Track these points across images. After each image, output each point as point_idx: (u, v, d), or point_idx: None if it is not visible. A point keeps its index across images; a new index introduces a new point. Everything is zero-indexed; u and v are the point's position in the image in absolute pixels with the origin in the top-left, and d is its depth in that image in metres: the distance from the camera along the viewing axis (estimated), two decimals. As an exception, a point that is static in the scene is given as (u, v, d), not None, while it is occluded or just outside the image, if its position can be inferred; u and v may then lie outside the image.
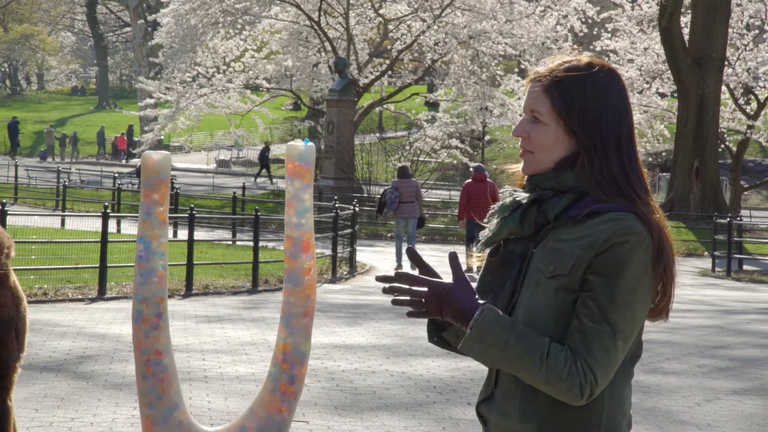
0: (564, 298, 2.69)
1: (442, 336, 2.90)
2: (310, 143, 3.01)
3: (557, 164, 2.77)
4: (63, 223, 26.53)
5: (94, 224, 19.90)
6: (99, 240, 16.74)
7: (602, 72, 2.78)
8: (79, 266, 17.36)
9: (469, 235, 21.71)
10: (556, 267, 2.70)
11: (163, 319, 2.96)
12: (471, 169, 22.66)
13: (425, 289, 2.72)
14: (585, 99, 2.75)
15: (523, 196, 2.82)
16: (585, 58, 2.81)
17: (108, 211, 17.14)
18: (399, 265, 22.18)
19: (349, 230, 22.23)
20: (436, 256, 26.32)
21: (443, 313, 2.72)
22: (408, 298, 2.74)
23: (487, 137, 53.78)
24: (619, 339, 2.66)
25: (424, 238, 31.57)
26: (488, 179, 21.92)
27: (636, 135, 2.85)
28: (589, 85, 2.75)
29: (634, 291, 2.67)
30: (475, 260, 2.93)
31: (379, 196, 24.05)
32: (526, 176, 2.85)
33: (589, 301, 2.65)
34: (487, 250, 2.88)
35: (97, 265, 16.25)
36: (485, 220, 2.90)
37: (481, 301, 2.70)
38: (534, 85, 2.80)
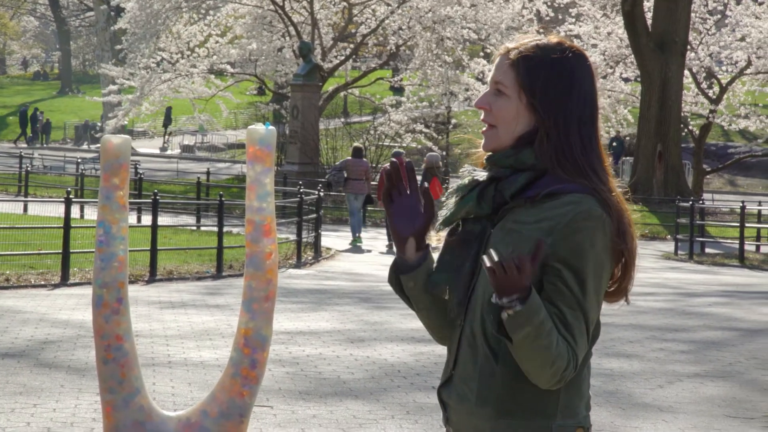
0: None
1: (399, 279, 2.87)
2: (271, 127, 3.00)
3: (517, 141, 2.77)
4: (26, 208, 26.34)
5: (57, 210, 19.76)
6: (62, 226, 16.64)
7: (570, 53, 2.79)
8: (41, 252, 17.25)
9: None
10: (515, 249, 2.68)
11: (123, 304, 2.95)
12: (392, 153, 25.08)
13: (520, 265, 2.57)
14: (549, 76, 2.75)
15: (481, 175, 2.81)
16: (555, 38, 2.82)
17: (71, 196, 17.03)
18: (356, 237, 24.32)
19: (313, 215, 22.22)
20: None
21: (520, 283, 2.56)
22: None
23: (453, 121, 53.83)
24: (590, 324, 2.70)
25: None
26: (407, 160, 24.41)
27: (600, 120, 2.85)
28: (556, 64, 2.76)
29: (600, 276, 2.69)
30: (434, 240, 2.92)
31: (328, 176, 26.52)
32: (485, 156, 2.85)
33: (564, 288, 2.66)
34: (446, 230, 2.88)
35: (60, 251, 16.15)
36: (443, 200, 2.91)
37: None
38: (503, 58, 2.81)
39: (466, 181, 2.84)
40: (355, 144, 28.60)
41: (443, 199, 2.90)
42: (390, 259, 2.79)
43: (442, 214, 2.86)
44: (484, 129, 2.83)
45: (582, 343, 2.68)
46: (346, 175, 24.37)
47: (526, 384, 2.69)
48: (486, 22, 41.44)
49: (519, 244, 2.69)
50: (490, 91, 2.82)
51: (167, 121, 60.91)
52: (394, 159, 2.85)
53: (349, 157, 25.21)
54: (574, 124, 2.75)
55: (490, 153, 2.82)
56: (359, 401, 8.79)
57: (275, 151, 3.03)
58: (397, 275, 2.88)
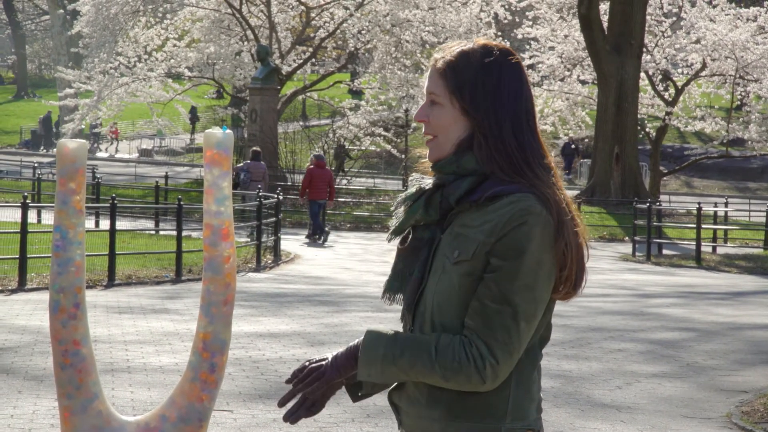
0: (469, 283, 2.71)
1: (361, 391, 2.98)
2: (228, 131, 3.00)
3: (457, 147, 2.81)
4: (-19, 214, 26.11)
5: (14, 214, 19.61)
6: (18, 230, 16.51)
7: (495, 53, 2.82)
8: (-2, 257, 17.11)
9: (312, 212, 26.07)
10: (460, 253, 2.73)
11: (81, 309, 2.93)
12: (313, 156, 27.09)
13: (314, 369, 2.86)
14: (476, 79, 2.79)
15: (428, 182, 2.86)
16: (480, 41, 2.86)
17: (27, 201, 16.90)
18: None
19: (273, 219, 22.19)
20: (360, 244, 26.27)
21: (342, 370, 2.83)
22: (310, 388, 2.86)
23: (412, 125, 53.90)
24: (522, 320, 2.67)
25: (348, 226, 31.58)
26: (327, 167, 27.14)
27: (536, 115, 2.87)
28: (481, 66, 2.80)
29: (535, 272, 2.68)
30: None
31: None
32: (431, 165, 2.89)
33: (491, 283, 2.68)
34: (398, 238, 2.90)
35: (17, 256, 16.03)
36: (392, 209, 2.94)
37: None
38: (433, 69, 2.86)
39: (413, 189, 2.89)
40: (254, 148, 30.12)
41: (392, 208, 2.93)
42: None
43: (392, 223, 2.90)
44: (426, 141, 2.87)
45: (504, 337, 2.66)
46: (251, 179, 26.34)
47: None
48: (444, 25, 41.53)
49: (463, 246, 2.73)
50: (426, 103, 2.87)
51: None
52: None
53: (249, 161, 27.25)
54: (506, 122, 2.78)
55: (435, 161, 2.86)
56: (319, 405, 8.77)
57: (233, 155, 3.03)
58: (358, 391, 3.00)
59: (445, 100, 2.81)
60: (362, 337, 2.79)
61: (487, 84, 2.79)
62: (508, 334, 2.67)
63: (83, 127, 47.22)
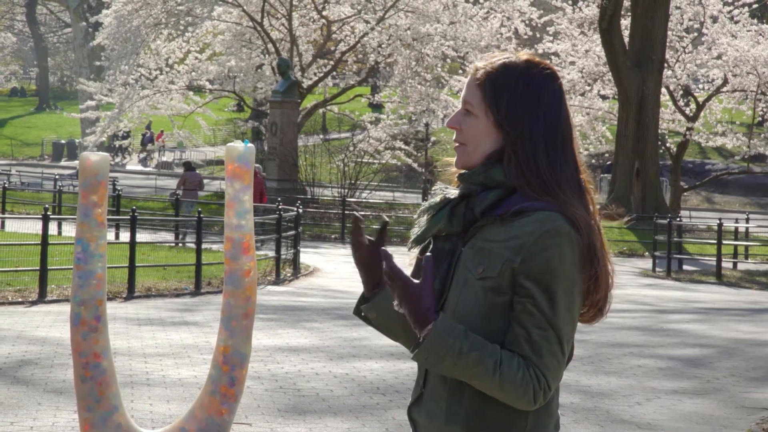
0: (493, 299, 2.68)
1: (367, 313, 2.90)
2: (250, 144, 3.01)
3: (486, 158, 2.78)
4: (2, 225, 26.23)
5: (35, 226, 19.69)
6: (39, 242, 16.57)
7: (538, 70, 2.78)
8: (18, 269, 17.17)
9: None
10: (485, 268, 2.69)
11: (101, 322, 2.94)
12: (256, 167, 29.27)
13: (399, 278, 2.69)
14: (515, 94, 2.75)
15: (453, 192, 2.83)
16: (524, 55, 2.82)
17: (48, 213, 16.96)
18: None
19: (292, 232, 22.21)
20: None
21: (402, 303, 2.68)
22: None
23: (432, 138, 53.90)
24: (564, 342, 2.67)
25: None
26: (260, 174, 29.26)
27: (576, 136, 2.84)
28: (522, 82, 2.76)
29: (571, 293, 2.68)
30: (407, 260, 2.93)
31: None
32: (457, 175, 2.86)
33: (531, 308, 2.65)
34: (418, 248, 2.88)
35: (38, 268, 16.07)
36: (415, 217, 2.91)
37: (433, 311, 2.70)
38: (471, 78, 2.82)
39: (437, 198, 2.85)
40: (186, 160, 32.22)
41: (415, 216, 2.91)
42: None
43: (414, 232, 2.87)
44: (455, 146, 2.85)
45: (553, 363, 2.66)
46: (183, 187, 28.40)
47: (495, 403, 2.69)
48: (465, 40, 41.58)
49: (488, 262, 2.70)
50: (460, 111, 2.84)
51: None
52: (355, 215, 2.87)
53: (184, 171, 29.70)
54: (540, 141, 2.75)
55: (462, 171, 2.84)
56: (338, 418, 8.77)
57: (254, 168, 3.04)
58: (359, 309, 2.92)
59: (480, 111, 2.78)
60: (434, 318, 2.65)
61: (526, 101, 2.75)
62: (556, 358, 2.66)
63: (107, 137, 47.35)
